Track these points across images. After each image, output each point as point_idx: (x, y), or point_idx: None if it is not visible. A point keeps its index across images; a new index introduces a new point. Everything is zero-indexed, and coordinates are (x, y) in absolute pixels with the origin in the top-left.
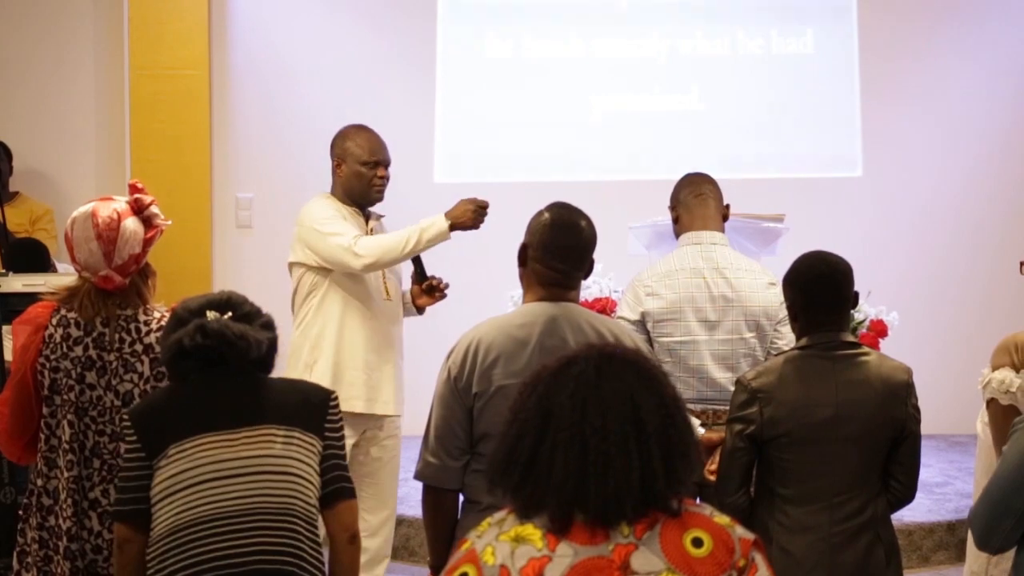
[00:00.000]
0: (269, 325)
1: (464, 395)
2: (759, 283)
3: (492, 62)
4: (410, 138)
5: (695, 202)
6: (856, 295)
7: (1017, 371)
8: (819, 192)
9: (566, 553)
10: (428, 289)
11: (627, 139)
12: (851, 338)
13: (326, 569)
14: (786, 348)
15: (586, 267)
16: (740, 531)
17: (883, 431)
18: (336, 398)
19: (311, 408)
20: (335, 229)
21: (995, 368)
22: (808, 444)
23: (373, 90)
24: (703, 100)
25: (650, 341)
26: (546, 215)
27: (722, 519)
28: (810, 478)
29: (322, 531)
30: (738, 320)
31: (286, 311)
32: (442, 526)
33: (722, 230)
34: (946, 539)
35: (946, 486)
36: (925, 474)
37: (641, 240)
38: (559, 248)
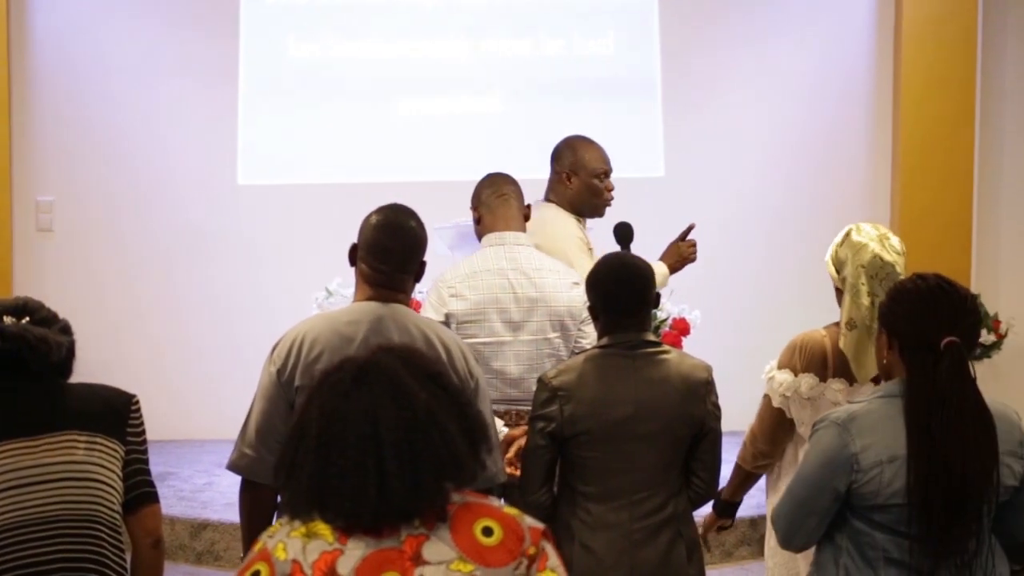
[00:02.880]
0: (67, 329)
1: (287, 389)
2: (563, 283)
3: (295, 63)
4: (214, 140)
5: (497, 202)
6: (658, 295)
7: (796, 375)
8: (622, 192)
9: (357, 546)
10: None
11: (430, 140)
12: (652, 337)
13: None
14: (589, 347)
15: (413, 269)
16: (530, 521)
17: (683, 428)
18: (138, 402)
19: (113, 413)
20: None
21: (780, 366)
22: (608, 442)
23: (177, 92)
24: (505, 101)
25: None
26: (374, 217)
27: (512, 510)
28: (610, 475)
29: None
30: (542, 321)
31: (87, 316)
32: (257, 522)
33: (524, 230)
34: (749, 534)
35: None
36: (727, 470)
37: (445, 241)
38: (382, 250)
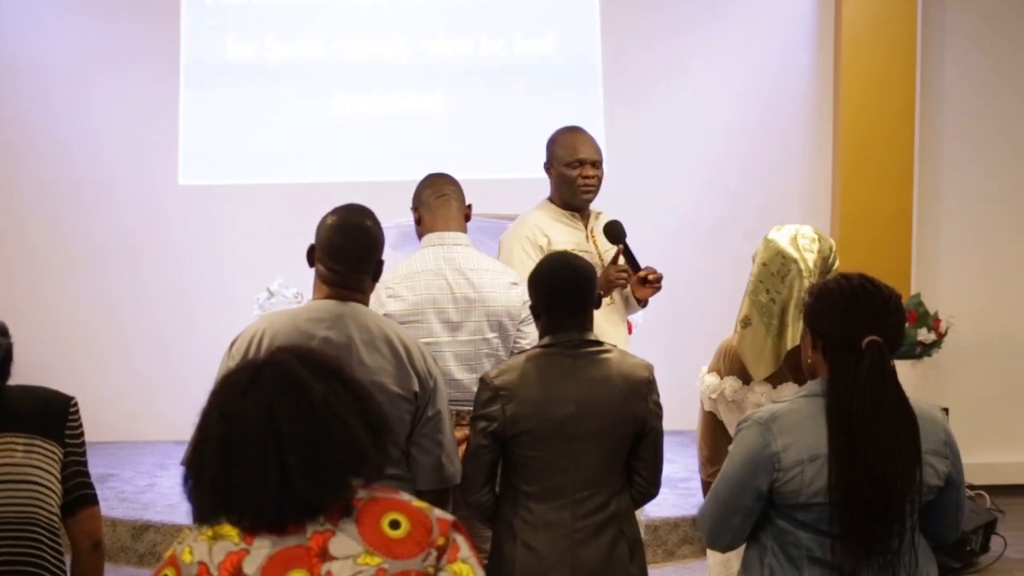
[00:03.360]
0: (4, 331)
1: None
2: (501, 283)
3: (235, 63)
4: (154, 140)
5: (437, 203)
6: (599, 295)
7: (721, 377)
8: None
9: (263, 545)
10: (643, 281)
11: (371, 140)
12: (593, 337)
13: None
14: (529, 348)
15: (370, 269)
16: (439, 513)
17: (624, 427)
18: (76, 404)
19: (51, 415)
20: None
21: (709, 370)
22: (550, 441)
23: (116, 92)
24: (447, 101)
25: None
26: (330, 218)
27: (420, 503)
28: (552, 475)
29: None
30: (480, 321)
31: (25, 317)
32: None
33: (464, 230)
34: (691, 533)
35: (690, 481)
36: (670, 469)
37: (387, 240)
38: (337, 250)
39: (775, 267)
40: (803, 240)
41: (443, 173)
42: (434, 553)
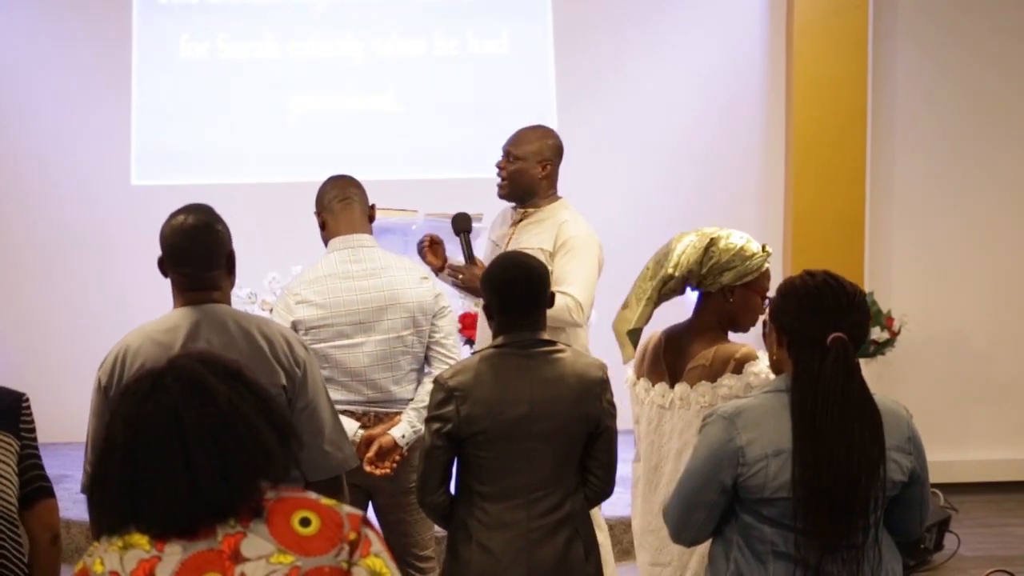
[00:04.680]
0: None
1: None
2: (411, 279)
3: (188, 63)
4: (106, 140)
5: (340, 206)
6: (552, 295)
7: (638, 378)
8: None
9: (175, 551)
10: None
11: (324, 139)
12: (546, 336)
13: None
14: (444, 340)
15: (220, 263)
16: (348, 508)
17: (578, 427)
18: (28, 400)
19: (6, 410)
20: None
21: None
22: (504, 441)
23: (67, 92)
24: (400, 100)
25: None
26: (167, 224)
27: (329, 500)
28: (507, 475)
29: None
30: (394, 319)
31: None
32: None
33: (369, 231)
34: None
35: None
36: (624, 469)
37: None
38: (180, 253)
39: (661, 252)
40: (706, 230)
41: (344, 175)
42: (347, 548)
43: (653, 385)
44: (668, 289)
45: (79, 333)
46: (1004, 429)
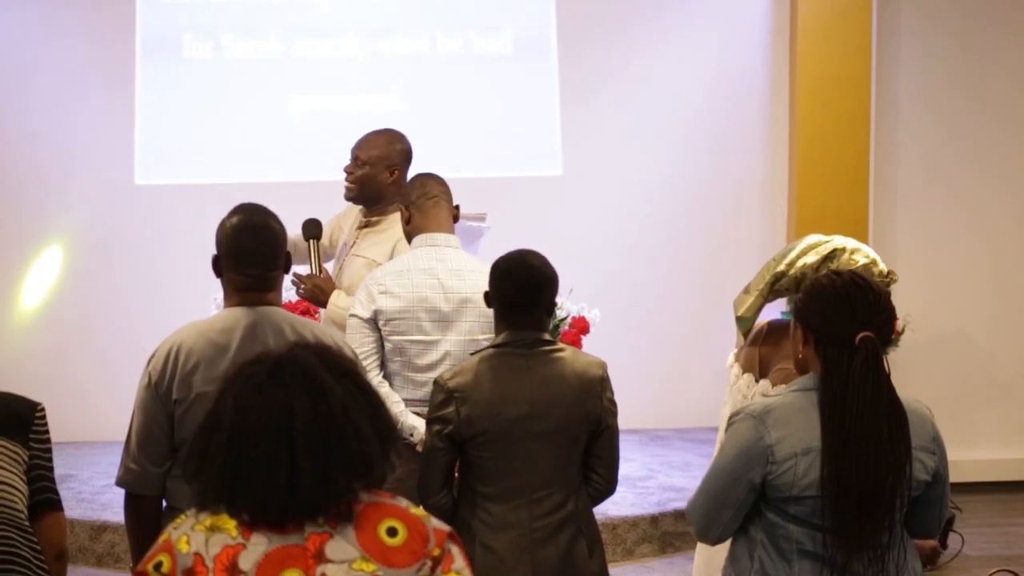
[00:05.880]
0: None
1: (165, 401)
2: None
3: (191, 63)
4: (109, 140)
5: (428, 204)
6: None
7: (743, 372)
8: (520, 191)
9: (260, 541)
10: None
11: (328, 139)
12: (547, 336)
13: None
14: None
15: (281, 264)
16: (435, 522)
17: (579, 426)
18: (43, 410)
19: (17, 418)
20: None
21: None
22: (505, 441)
23: (71, 92)
24: (403, 100)
25: (383, 340)
26: (229, 221)
27: (418, 511)
28: (509, 475)
29: None
30: (472, 322)
31: None
32: (144, 532)
33: (453, 232)
34: (649, 532)
35: (649, 480)
36: (628, 468)
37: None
38: (247, 253)
39: (786, 248)
40: (822, 246)
41: (432, 174)
42: (429, 564)
43: (743, 373)
44: (780, 287)
45: (83, 334)
46: (1008, 429)
